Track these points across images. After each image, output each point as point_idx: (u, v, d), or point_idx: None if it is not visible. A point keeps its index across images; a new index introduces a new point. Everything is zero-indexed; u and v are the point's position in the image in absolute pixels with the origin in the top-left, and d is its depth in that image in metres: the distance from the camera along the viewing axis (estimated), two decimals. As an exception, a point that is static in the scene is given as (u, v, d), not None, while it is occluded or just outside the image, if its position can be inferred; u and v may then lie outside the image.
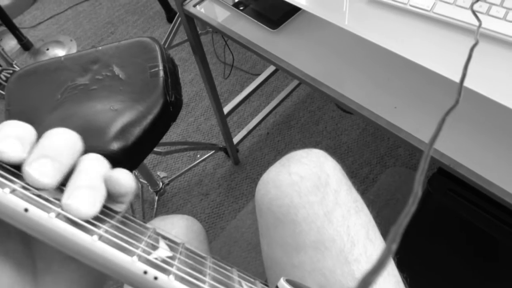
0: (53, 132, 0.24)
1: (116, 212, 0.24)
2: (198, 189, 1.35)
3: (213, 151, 1.39)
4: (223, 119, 1.19)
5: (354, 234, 0.44)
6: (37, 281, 0.23)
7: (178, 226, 0.58)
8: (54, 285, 0.23)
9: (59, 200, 0.22)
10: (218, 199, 1.32)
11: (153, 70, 0.82)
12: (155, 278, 0.20)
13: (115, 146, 0.73)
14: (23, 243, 0.23)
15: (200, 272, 0.23)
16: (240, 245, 1.21)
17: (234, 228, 1.25)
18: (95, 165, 0.24)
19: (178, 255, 0.23)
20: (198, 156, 1.41)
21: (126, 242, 0.21)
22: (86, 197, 0.21)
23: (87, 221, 0.21)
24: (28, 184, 0.21)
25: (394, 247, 0.18)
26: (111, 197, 0.24)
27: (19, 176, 0.22)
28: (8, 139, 0.22)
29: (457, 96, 0.30)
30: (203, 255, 0.25)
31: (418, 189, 0.20)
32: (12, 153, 0.21)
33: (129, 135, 0.75)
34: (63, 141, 0.23)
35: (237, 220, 1.26)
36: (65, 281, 0.24)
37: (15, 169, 0.22)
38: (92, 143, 0.73)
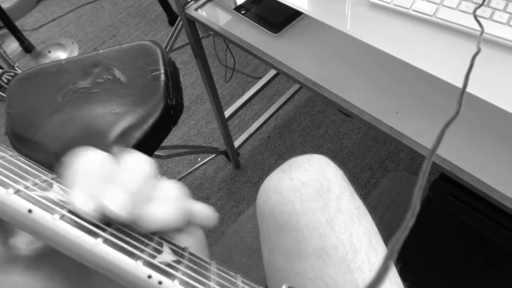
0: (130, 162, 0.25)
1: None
2: (199, 192, 1.35)
3: (214, 155, 1.38)
4: (224, 122, 1.19)
5: (356, 241, 0.44)
6: None
7: None
8: None
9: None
10: (218, 203, 1.32)
11: (154, 74, 0.82)
12: (160, 282, 0.20)
13: (116, 149, 0.73)
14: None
15: (205, 277, 0.23)
16: (240, 249, 1.20)
17: (235, 232, 1.24)
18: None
19: (182, 260, 0.23)
20: (199, 159, 1.41)
21: (131, 245, 0.21)
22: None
23: (92, 224, 0.21)
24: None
25: (392, 262, 0.17)
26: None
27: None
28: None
29: (457, 107, 0.30)
30: (208, 260, 0.25)
31: (416, 204, 0.19)
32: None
33: (130, 138, 0.75)
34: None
35: (238, 224, 1.26)
36: None
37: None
38: (93, 146, 0.73)
